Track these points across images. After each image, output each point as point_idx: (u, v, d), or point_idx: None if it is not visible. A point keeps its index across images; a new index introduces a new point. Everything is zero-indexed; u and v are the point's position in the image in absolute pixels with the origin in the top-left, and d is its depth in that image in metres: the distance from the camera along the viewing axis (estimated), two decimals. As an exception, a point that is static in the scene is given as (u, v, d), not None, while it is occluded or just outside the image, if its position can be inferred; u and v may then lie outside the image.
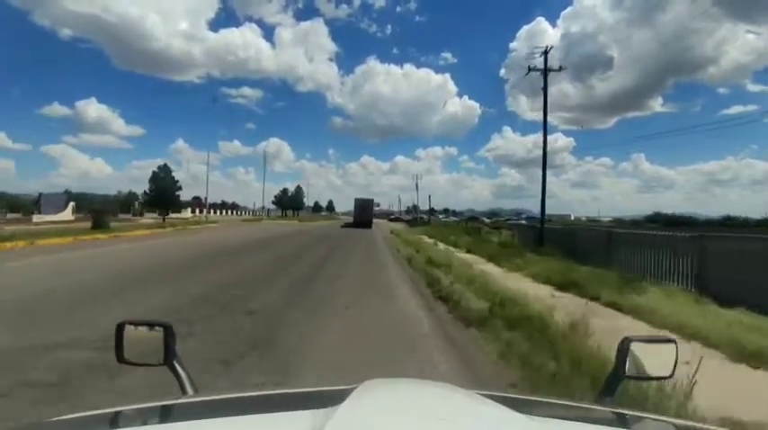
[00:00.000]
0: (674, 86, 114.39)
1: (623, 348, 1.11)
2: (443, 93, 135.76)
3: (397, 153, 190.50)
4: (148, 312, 5.26)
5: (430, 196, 47.57)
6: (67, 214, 39.62)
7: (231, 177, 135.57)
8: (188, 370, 1.17)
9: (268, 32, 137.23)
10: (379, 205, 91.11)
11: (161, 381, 1.78)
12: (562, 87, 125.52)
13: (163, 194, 32.55)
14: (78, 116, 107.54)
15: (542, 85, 17.49)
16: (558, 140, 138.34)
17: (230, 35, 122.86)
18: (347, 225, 42.24)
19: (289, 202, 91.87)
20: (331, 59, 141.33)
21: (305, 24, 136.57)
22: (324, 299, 6.83)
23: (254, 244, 16.99)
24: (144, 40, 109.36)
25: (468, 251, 15.94)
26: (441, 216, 70.94)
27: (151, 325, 1.17)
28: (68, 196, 47.52)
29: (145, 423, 0.78)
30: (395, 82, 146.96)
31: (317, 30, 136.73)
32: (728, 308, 6.17)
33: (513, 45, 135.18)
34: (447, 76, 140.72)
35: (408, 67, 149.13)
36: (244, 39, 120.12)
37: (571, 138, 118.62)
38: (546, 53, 17.54)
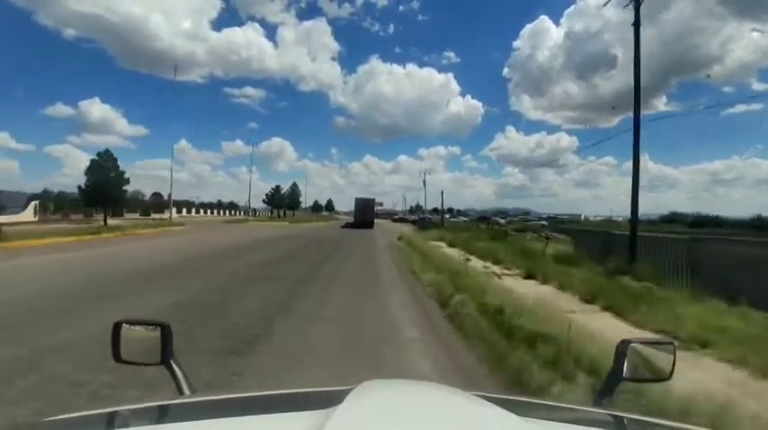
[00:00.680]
0: (678, 85, 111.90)
1: (621, 350, 1.10)
2: (446, 92, 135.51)
3: (399, 152, 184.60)
4: None
5: (443, 192, 40.87)
6: (28, 215, 33.92)
7: (234, 177, 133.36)
8: (185, 370, 1.14)
9: (270, 32, 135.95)
10: (381, 204, 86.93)
11: None
12: (566, 86, 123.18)
13: (103, 189, 25.38)
14: (82, 116, 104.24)
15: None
16: (561, 140, 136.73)
17: (233, 35, 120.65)
18: (347, 225, 40.88)
19: (281, 201, 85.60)
20: (333, 59, 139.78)
21: (307, 24, 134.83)
22: None
23: (191, 264, 10.90)
24: (147, 40, 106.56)
25: (529, 275, 9.76)
26: (446, 215, 64.54)
27: (148, 324, 1.16)
28: (29, 195, 41.53)
29: (141, 423, 0.76)
30: (397, 81, 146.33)
31: (320, 29, 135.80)
32: None
33: (516, 44, 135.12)
34: (450, 75, 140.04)
35: (411, 66, 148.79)
36: (246, 38, 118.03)
37: (574, 137, 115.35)
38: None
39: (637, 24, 11.48)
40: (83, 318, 5.20)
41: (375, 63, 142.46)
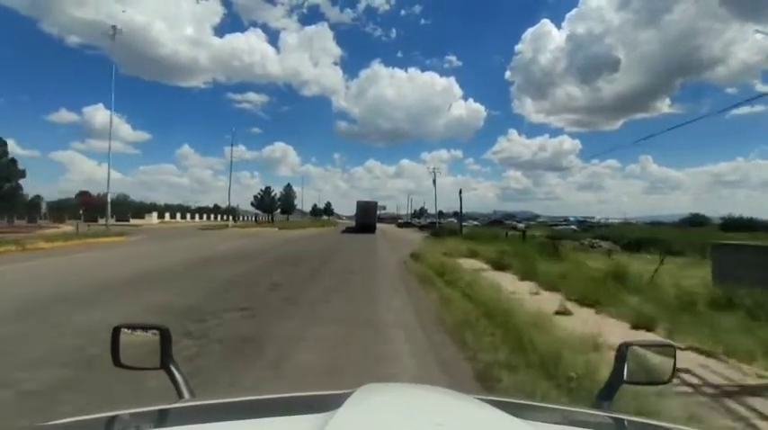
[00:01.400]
0: (682, 87, 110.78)
1: (621, 353, 1.07)
2: (448, 96, 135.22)
3: (402, 157, 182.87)
4: None
5: (461, 191, 33.93)
6: None
7: (236, 181, 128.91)
8: (184, 374, 1.12)
9: (273, 37, 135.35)
10: (384, 208, 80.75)
11: None
12: (568, 89, 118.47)
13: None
14: (86, 122, 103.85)
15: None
16: (564, 143, 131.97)
17: (235, 40, 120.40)
18: (348, 230, 40.02)
19: (272, 204, 78.48)
20: (336, 64, 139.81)
21: (309, 29, 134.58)
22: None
23: None
24: (150, 47, 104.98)
25: None
26: (451, 219, 58.05)
27: (147, 328, 1.13)
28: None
29: (141, 427, 0.76)
30: (400, 85, 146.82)
31: (322, 34, 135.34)
32: None
33: (518, 47, 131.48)
34: (452, 79, 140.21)
35: (413, 70, 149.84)
36: (249, 44, 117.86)
37: (577, 141, 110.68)
38: None
39: None
40: None
41: (377, 67, 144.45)
